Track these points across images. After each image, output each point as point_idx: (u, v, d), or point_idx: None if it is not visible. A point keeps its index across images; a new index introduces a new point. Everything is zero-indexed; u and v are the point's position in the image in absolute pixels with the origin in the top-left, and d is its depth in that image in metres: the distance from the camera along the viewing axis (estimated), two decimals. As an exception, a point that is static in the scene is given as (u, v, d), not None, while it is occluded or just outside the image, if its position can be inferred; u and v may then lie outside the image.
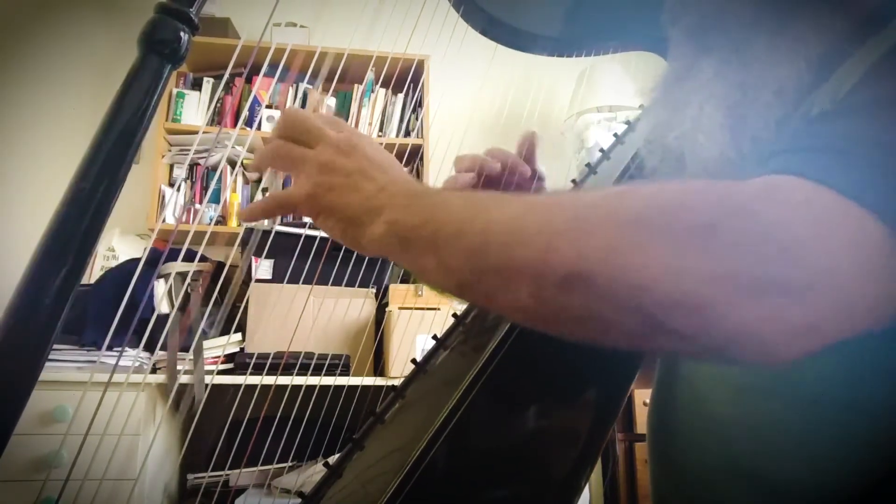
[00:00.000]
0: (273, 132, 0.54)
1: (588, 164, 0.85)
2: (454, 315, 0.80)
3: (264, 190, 2.45)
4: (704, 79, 0.54)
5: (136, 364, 1.73)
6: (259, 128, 2.41)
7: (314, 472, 0.76)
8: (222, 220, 2.41)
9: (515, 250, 0.40)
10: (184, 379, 1.73)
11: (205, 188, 2.45)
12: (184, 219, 2.39)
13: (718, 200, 0.37)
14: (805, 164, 0.39)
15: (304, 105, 2.55)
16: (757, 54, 0.51)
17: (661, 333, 0.36)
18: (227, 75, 2.42)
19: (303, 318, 1.75)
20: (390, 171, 0.50)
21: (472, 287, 0.43)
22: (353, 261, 1.81)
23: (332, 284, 1.82)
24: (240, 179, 2.46)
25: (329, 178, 0.49)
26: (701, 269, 0.35)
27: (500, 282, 0.41)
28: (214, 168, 2.50)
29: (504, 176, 0.77)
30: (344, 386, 1.15)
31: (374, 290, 1.95)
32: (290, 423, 0.95)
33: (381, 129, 2.51)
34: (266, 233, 1.82)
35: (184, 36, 0.50)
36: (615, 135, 0.87)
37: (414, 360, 0.77)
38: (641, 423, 1.97)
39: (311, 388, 1.04)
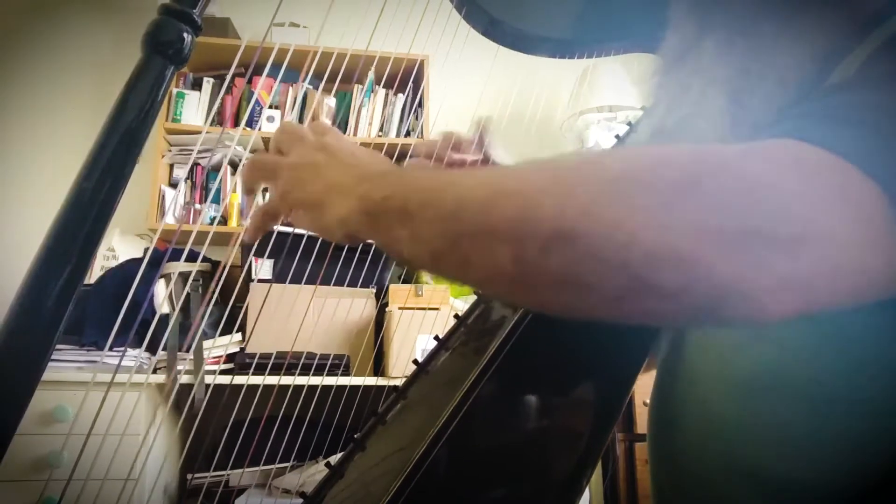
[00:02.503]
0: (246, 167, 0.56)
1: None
2: (455, 316, 0.80)
3: (265, 190, 2.45)
4: (707, 61, 0.53)
5: (137, 364, 1.73)
6: (260, 128, 2.41)
7: (315, 473, 0.76)
8: (223, 220, 2.41)
9: (493, 212, 0.38)
10: (185, 379, 1.73)
11: (205, 189, 2.45)
12: (184, 219, 2.39)
13: (704, 157, 0.37)
14: (799, 128, 0.39)
15: (304, 105, 2.55)
16: (762, 39, 0.51)
17: (646, 292, 0.35)
18: (228, 76, 2.42)
19: (303, 319, 1.75)
20: (362, 158, 0.50)
21: (447, 256, 0.41)
22: (353, 261, 1.81)
23: (333, 285, 1.83)
24: (240, 180, 2.46)
25: (297, 173, 0.50)
26: (685, 223, 0.34)
27: (477, 247, 0.39)
28: (215, 168, 2.50)
29: (462, 163, 0.78)
30: (344, 386, 1.15)
31: (375, 291, 1.95)
32: (291, 423, 0.95)
33: (381, 130, 2.51)
34: (267, 233, 1.82)
35: (187, 37, 0.50)
36: (616, 136, 0.87)
37: (415, 361, 0.77)
38: (641, 423, 1.97)
39: (311, 388, 1.04)
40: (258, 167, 0.54)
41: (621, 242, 0.34)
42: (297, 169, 0.51)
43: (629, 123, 0.88)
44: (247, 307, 1.85)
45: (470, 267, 0.40)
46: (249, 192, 0.58)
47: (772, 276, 0.34)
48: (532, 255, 0.36)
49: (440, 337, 0.78)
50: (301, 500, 0.69)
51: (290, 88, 2.51)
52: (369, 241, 0.47)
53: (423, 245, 0.42)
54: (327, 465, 0.72)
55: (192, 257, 1.82)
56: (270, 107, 2.49)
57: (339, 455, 0.73)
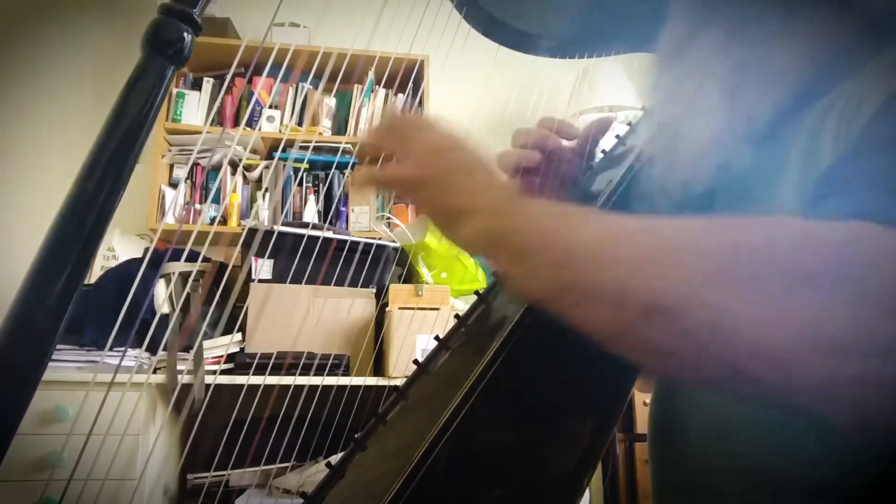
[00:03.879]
0: (380, 125, 0.56)
1: (589, 165, 0.85)
2: (456, 316, 0.80)
3: (265, 190, 2.46)
4: (703, 56, 0.53)
5: (138, 364, 1.73)
6: (260, 129, 2.41)
7: (315, 473, 0.76)
8: (223, 220, 2.41)
9: (598, 275, 0.39)
10: (185, 379, 1.73)
11: (205, 189, 2.45)
12: (184, 219, 2.39)
13: (810, 246, 0.35)
14: (872, 204, 0.37)
15: (304, 106, 2.55)
16: (759, 35, 0.51)
17: (742, 379, 0.34)
18: (228, 76, 2.42)
19: (303, 319, 1.75)
20: (487, 172, 0.51)
21: (555, 301, 0.42)
22: (353, 261, 1.81)
23: (333, 285, 1.83)
24: (240, 180, 2.46)
25: (432, 170, 0.51)
26: (790, 320, 0.33)
27: (580, 303, 0.40)
28: (215, 168, 2.50)
29: (566, 153, 0.75)
30: (345, 386, 1.15)
31: (375, 291, 1.95)
32: (291, 423, 0.95)
33: (381, 130, 2.51)
34: (267, 233, 1.83)
35: (187, 37, 0.50)
36: (616, 136, 0.87)
37: (416, 361, 0.77)
38: (641, 423, 1.97)
39: (311, 388, 1.04)
40: (397, 127, 0.55)
41: (718, 328, 0.34)
42: (434, 158, 0.52)
43: (629, 123, 0.88)
44: (247, 307, 1.85)
45: (575, 317, 0.41)
46: (369, 144, 0.57)
47: (884, 389, 0.32)
48: (630, 323, 0.37)
49: (440, 337, 0.78)
50: (301, 501, 0.68)
51: (290, 88, 2.51)
52: (487, 260, 0.50)
53: (536, 286, 0.44)
54: (328, 465, 0.72)
55: (192, 257, 1.82)
56: (270, 107, 2.49)
57: (339, 455, 0.73)
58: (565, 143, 0.75)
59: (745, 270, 0.35)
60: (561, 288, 0.41)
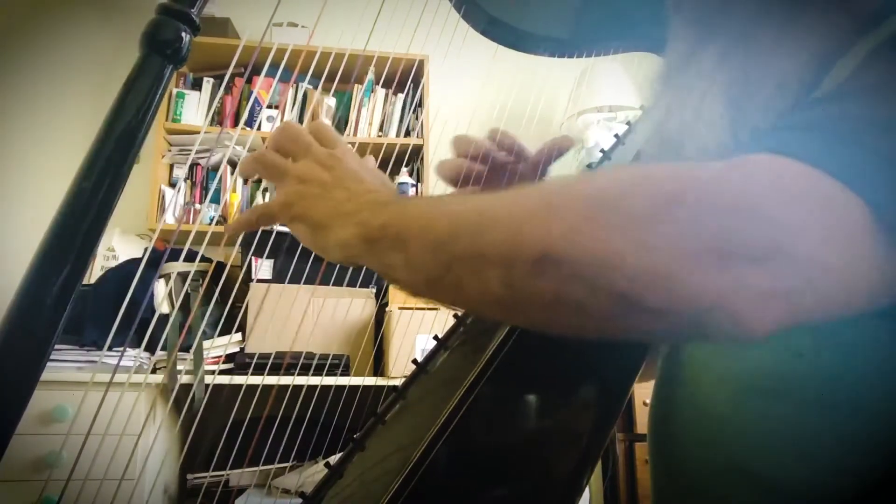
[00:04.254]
0: (267, 142, 0.56)
1: (589, 165, 0.85)
2: (455, 316, 0.80)
3: (265, 190, 2.45)
4: (707, 68, 0.53)
5: (137, 364, 1.73)
6: (259, 128, 2.41)
7: (314, 473, 0.76)
8: (223, 220, 2.41)
9: (483, 236, 0.40)
10: (184, 379, 1.73)
11: (205, 188, 2.45)
12: (184, 219, 2.39)
13: (682, 176, 0.37)
14: (782, 141, 0.39)
15: (304, 105, 2.55)
16: (761, 45, 0.51)
17: (633, 312, 0.36)
18: (227, 75, 2.42)
19: (303, 319, 1.75)
20: (367, 182, 0.52)
21: (440, 281, 0.42)
22: (353, 261, 1.81)
23: (333, 284, 1.83)
24: (239, 180, 2.46)
25: (304, 188, 0.52)
26: (666, 242, 0.35)
27: (468, 271, 0.40)
28: (214, 168, 2.50)
29: (510, 164, 0.75)
30: (344, 386, 1.15)
31: (374, 290, 1.95)
32: (291, 423, 0.95)
33: (381, 129, 2.51)
34: (266, 233, 1.82)
35: (185, 36, 0.50)
36: (616, 136, 0.87)
37: (415, 361, 0.77)
38: (641, 423, 1.97)
39: (311, 388, 1.04)
40: (265, 164, 0.55)
41: (605, 264, 0.35)
42: (304, 183, 0.52)
43: (628, 123, 0.88)
44: (246, 307, 1.85)
45: (462, 291, 0.42)
46: (246, 180, 0.59)
47: (751, 292, 0.35)
48: (520, 279, 0.38)
49: (440, 336, 0.78)
50: (300, 501, 0.68)
51: (290, 88, 2.50)
52: (366, 265, 0.49)
53: (417, 271, 0.44)
54: (326, 465, 0.72)
55: (191, 257, 1.82)
56: (270, 106, 2.49)
57: (338, 455, 0.73)
58: (504, 155, 0.75)
59: (621, 204, 0.36)
60: (446, 264, 0.41)
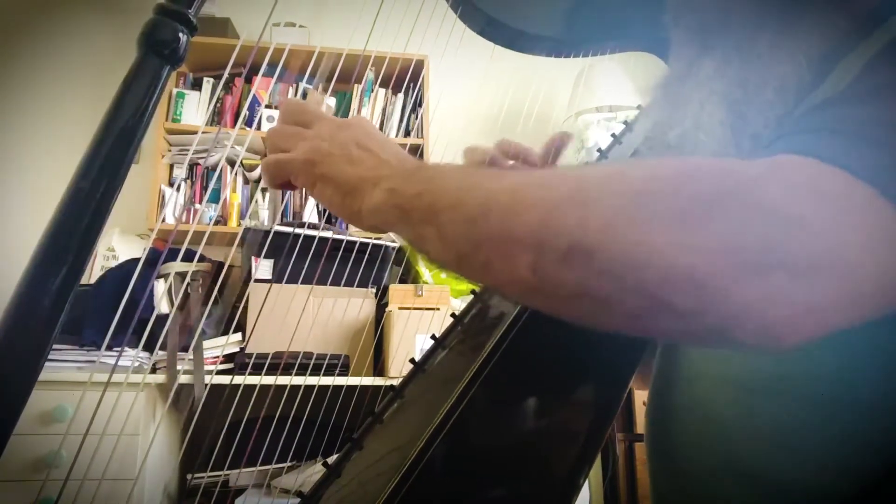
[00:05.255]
0: (277, 118, 0.54)
1: (587, 165, 0.85)
2: (453, 315, 0.80)
3: (264, 190, 2.45)
4: (706, 76, 0.53)
5: (136, 364, 1.73)
6: (259, 127, 2.41)
7: (313, 472, 0.76)
8: (222, 219, 2.41)
9: (515, 219, 0.38)
10: (183, 379, 1.73)
11: (204, 188, 2.45)
12: (183, 219, 2.39)
13: (723, 175, 0.36)
14: (811, 144, 0.39)
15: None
16: (759, 52, 0.51)
17: (661, 311, 0.35)
18: (226, 75, 2.42)
19: (302, 318, 1.75)
20: (388, 146, 0.50)
21: (469, 258, 0.41)
22: (352, 261, 1.81)
23: (332, 284, 1.82)
24: (239, 179, 2.46)
25: (327, 146, 0.49)
26: (702, 244, 0.34)
27: (498, 252, 0.39)
28: (214, 168, 2.50)
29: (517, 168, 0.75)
30: (343, 386, 1.15)
31: (374, 290, 1.95)
32: (290, 422, 0.95)
33: (380, 129, 2.50)
34: (266, 233, 1.83)
35: (182, 37, 0.50)
36: (613, 135, 0.87)
37: (412, 360, 0.77)
38: (641, 423, 1.97)
39: (310, 387, 1.04)
40: (280, 136, 0.53)
41: (638, 263, 0.34)
42: (327, 140, 0.50)
43: (626, 123, 0.88)
44: (246, 307, 1.85)
45: (491, 271, 0.41)
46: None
47: (788, 305, 0.34)
48: (550, 266, 0.37)
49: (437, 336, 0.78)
50: (299, 500, 0.69)
51: (290, 88, 2.50)
52: (395, 233, 0.47)
53: (447, 245, 0.43)
54: (325, 464, 0.72)
55: (190, 257, 1.82)
56: (270, 106, 2.49)
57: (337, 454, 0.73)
58: (511, 163, 0.75)
59: (659, 202, 0.35)
60: (476, 242, 0.40)
